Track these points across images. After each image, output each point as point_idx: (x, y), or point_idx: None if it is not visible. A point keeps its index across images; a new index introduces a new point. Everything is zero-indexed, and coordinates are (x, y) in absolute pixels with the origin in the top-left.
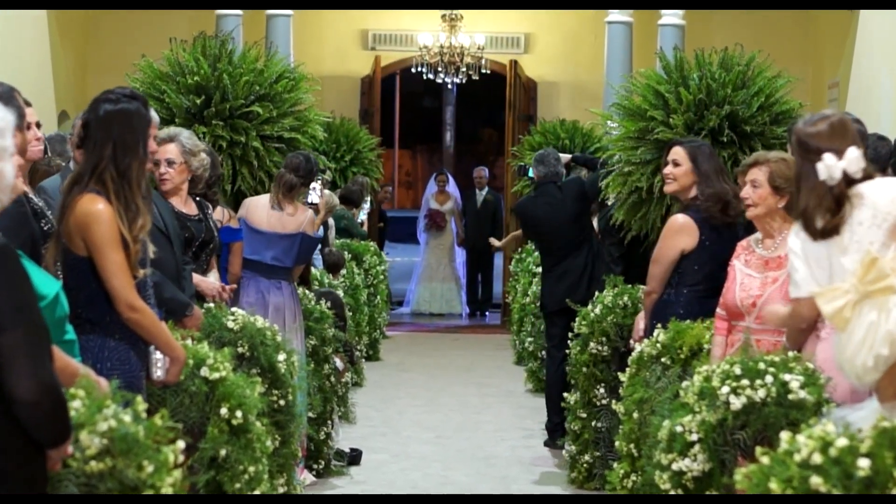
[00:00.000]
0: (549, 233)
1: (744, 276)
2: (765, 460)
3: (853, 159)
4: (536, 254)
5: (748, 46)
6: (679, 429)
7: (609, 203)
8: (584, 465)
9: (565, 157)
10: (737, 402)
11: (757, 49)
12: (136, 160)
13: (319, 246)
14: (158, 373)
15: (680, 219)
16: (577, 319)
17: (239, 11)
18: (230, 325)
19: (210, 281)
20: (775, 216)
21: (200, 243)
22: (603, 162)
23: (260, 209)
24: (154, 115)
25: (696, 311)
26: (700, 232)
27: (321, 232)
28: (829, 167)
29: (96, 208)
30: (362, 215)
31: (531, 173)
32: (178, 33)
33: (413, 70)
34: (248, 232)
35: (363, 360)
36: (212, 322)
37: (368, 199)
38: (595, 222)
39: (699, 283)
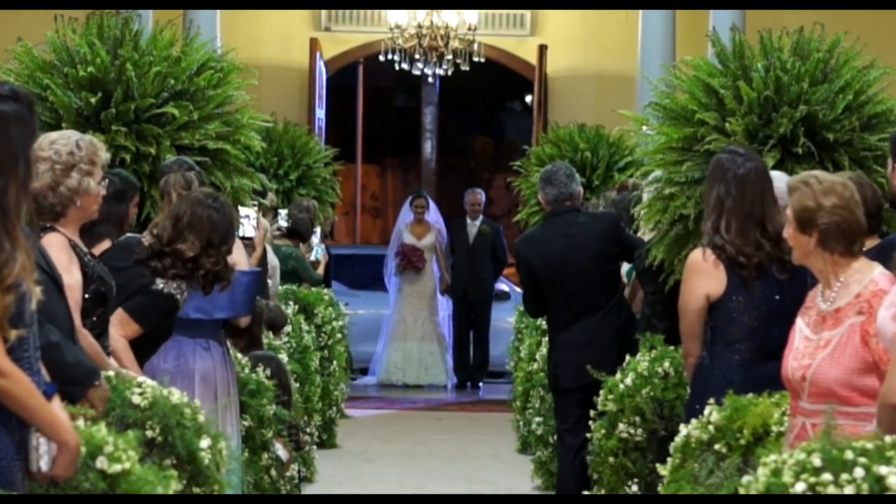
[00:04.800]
0: (568, 278)
1: (801, 339)
2: None
3: None
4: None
5: (830, 27)
6: None
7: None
8: None
9: None
10: None
11: (842, 30)
12: (14, 182)
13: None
14: (41, 463)
15: (697, 255)
16: (601, 393)
17: None
18: (136, 400)
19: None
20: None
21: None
22: (638, 198)
23: None
24: None
25: (742, 379)
26: (727, 271)
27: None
28: None
29: None
30: (316, 253)
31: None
32: (66, 10)
33: (382, 58)
34: None
35: (314, 447)
36: (112, 397)
37: (318, 230)
38: (624, 266)
39: (740, 342)
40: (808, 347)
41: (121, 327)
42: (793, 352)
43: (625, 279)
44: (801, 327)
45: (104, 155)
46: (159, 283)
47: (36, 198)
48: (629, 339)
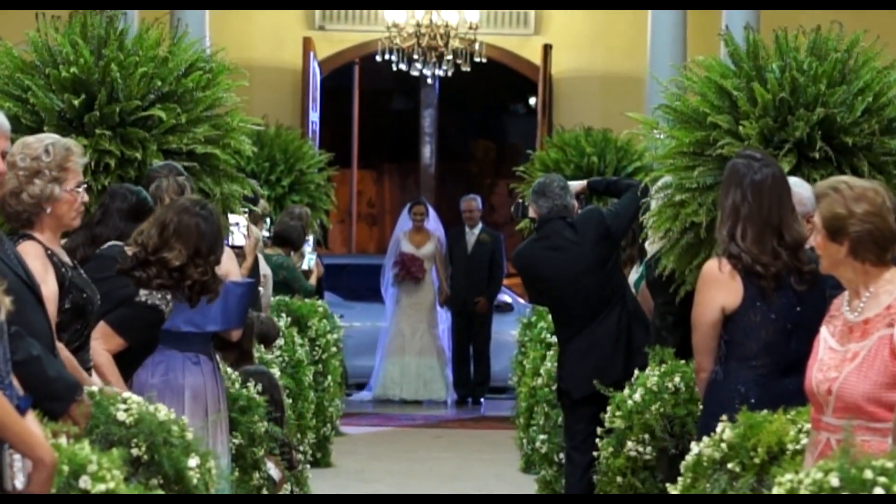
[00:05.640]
0: (563, 290)
1: (826, 350)
2: None
3: None
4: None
5: (849, 26)
6: None
7: (648, 246)
8: None
9: (577, 184)
10: None
11: (861, 29)
12: None
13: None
14: (16, 482)
15: (712, 266)
16: (608, 409)
17: None
18: (121, 416)
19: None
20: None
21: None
22: (644, 188)
23: None
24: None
25: (758, 396)
26: (744, 282)
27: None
28: None
29: None
30: (308, 262)
31: (531, 212)
32: (48, 9)
33: (378, 58)
34: None
35: (307, 466)
36: (96, 413)
37: (310, 238)
38: (632, 275)
39: (755, 357)
40: (833, 359)
41: (104, 341)
42: (818, 363)
43: (633, 289)
44: (825, 337)
45: (80, 160)
46: (143, 295)
47: (2, 205)
48: (632, 342)
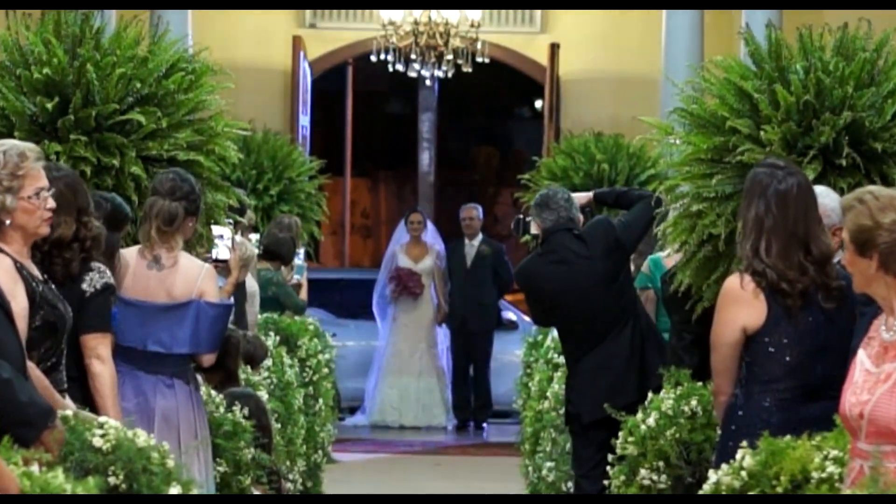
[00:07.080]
0: (571, 306)
1: (861, 373)
2: None
3: None
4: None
5: (878, 24)
6: None
7: (656, 253)
8: None
9: (582, 196)
10: None
11: (891, 27)
12: None
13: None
14: None
15: (734, 282)
16: (620, 434)
17: None
18: (97, 443)
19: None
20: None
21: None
22: (657, 199)
23: (129, 268)
24: None
25: (780, 421)
26: (768, 301)
27: (231, 299)
28: None
29: None
30: (298, 275)
31: (533, 228)
32: (18, 8)
33: (373, 58)
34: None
35: (297, 495)
36: (70, 439)
37: (302, 251)
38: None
39: (778, 380)
40: (867, 381)
41: (104, 346)
42: (851, 386)
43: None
44: (862, 359)
45: (37, 164)
46: (86, 284)
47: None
48: (649, 356)
